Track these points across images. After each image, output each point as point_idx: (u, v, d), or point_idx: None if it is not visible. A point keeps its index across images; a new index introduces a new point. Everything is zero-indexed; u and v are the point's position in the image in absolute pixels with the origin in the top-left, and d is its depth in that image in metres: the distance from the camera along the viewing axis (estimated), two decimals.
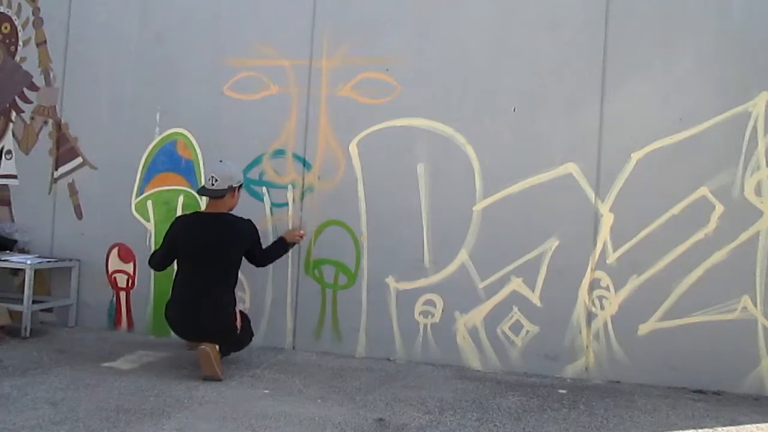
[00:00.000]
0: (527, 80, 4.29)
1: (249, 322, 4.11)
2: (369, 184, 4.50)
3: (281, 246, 4.32)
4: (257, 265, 4.24)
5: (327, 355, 4.47)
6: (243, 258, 4.05)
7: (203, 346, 3.74)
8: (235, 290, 3.98)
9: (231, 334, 3.88)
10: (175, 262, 3.99)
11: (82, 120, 5.07)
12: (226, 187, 3.95)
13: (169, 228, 4.05)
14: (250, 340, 4.14)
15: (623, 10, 4.17)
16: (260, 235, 4.16)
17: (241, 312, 4.00)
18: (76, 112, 5.09)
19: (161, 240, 4.11)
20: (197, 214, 4.10)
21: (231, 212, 4.04)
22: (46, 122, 5.15)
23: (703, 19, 4.09)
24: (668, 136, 4.08)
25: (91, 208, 5.03)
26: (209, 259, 3.83)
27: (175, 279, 3.98)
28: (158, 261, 4.08)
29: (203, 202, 4.48)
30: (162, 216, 4.85)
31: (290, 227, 4.55)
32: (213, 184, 3.93)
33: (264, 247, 4.22)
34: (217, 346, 3.80)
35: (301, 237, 4.44)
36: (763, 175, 3.99)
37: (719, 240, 4.00)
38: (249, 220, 4.07)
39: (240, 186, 4.11)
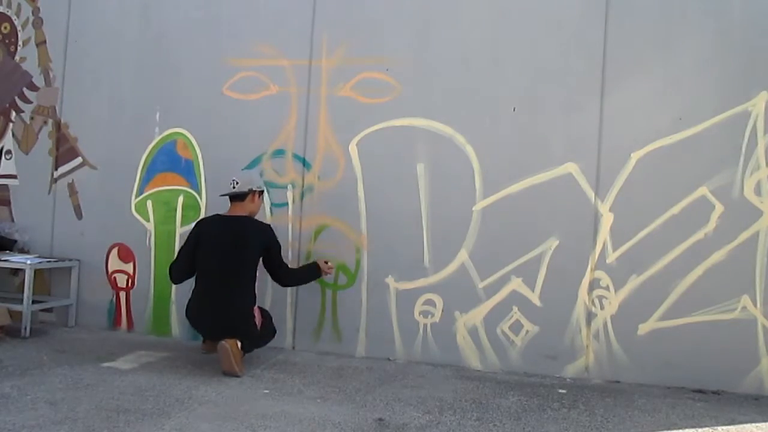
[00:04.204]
0: (527, 80, 4.30)
1: (270, 319, 4.17)
2: (369, 184, 4.50)
3: (312, 271, 4.26)
4: (281, 283, 4.23)
5: (327, 355, 4.47)
6: (264, 268, 4.12)
7: (223, 342, 3.81)
8: (255, 289, 4.02)
9: (250, 331, 3.94)
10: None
11: (82, 120, 5.08)
12: (246, 189, 4.06)
13: (192, 230, 4.14)
14: (273, 336, 4.19)
15: (623, 10, 4.17)
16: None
17: (261, 309, 4.08)
18: (76, 112, 5.09)
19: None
20: (217, 216, 4.15)
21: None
22: (45, 122, 5.15)
23: (703, 19, 4.09)
24: (668, 136, 4.09)
25: (91, 208, 5.03)
26: (226, 257, 3.91)
27: (195, 279, 4.05)
28: (180, 262, 4.07)
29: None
30: (162, 216, 4.86)
31: (289, 227, 4.56)
32: (234, 187, 4.06)
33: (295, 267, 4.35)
34: (239, 343, 3.86)
35: (329, 271, 4.34)
36: (762, 174, 3.99)
37: (719, 240, 4.00)
38: (268, 225, 4.15)
39: (261, 192, 4.21)
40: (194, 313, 3.98)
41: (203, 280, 3.98)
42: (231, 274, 3.91)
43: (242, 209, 4.08)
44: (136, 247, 4.92)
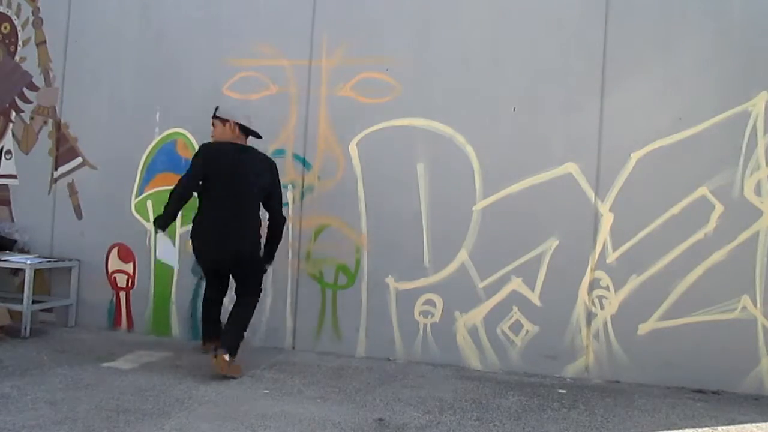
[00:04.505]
0: (527, 80, 4.30)
1: (263, 271, 4.17)
2: (369, 184, 4.50)
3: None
4: (276, 222, 4.15)
5: (327, 355, 4.47)
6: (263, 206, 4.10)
7: (214, 361, 3.75)
8: (260, 215, 4.02)
9: (254, 261, 3.99)
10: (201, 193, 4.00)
11: (82, 120, 5.08)
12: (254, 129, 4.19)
13: (196, 155, 4.03)
14: (257, 297, 4.11)
15: (623, 10, 4.18)
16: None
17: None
18: (76, 112, 5.09)
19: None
20: (223, 143, 4.05)
21: None
22: (46, 122, 5.15)
23: (703, 19, 4.09)
24: (668, 136, 4.09)
25: (91, 208, 5.03)
26: (239, 182, 3.90)
27: (200, 206, 3.98)
28: (184, 189, 3.96)
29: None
30: None
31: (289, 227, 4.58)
32: (250, 123, 4.13)
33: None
34: (227, 356, 3.74)
35: None
36: (762, 174, 3.99)
37: (719, 240, 4.01)
38: (274, 162, 4.15)
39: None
40: (201, 237, 3.93)
41: (211, 206, 3.92)
42: (241, 201, 3.90)
43: (238, 140, 4.08)
44: (136, 247, 4.92)
